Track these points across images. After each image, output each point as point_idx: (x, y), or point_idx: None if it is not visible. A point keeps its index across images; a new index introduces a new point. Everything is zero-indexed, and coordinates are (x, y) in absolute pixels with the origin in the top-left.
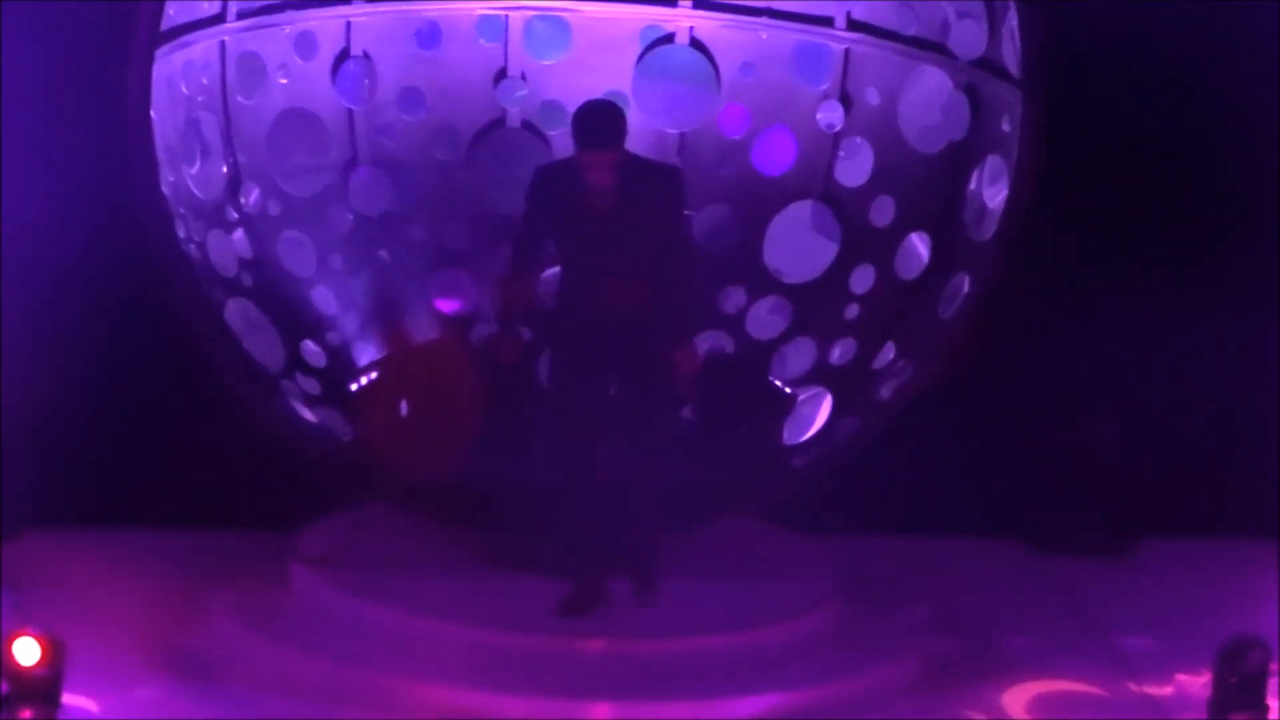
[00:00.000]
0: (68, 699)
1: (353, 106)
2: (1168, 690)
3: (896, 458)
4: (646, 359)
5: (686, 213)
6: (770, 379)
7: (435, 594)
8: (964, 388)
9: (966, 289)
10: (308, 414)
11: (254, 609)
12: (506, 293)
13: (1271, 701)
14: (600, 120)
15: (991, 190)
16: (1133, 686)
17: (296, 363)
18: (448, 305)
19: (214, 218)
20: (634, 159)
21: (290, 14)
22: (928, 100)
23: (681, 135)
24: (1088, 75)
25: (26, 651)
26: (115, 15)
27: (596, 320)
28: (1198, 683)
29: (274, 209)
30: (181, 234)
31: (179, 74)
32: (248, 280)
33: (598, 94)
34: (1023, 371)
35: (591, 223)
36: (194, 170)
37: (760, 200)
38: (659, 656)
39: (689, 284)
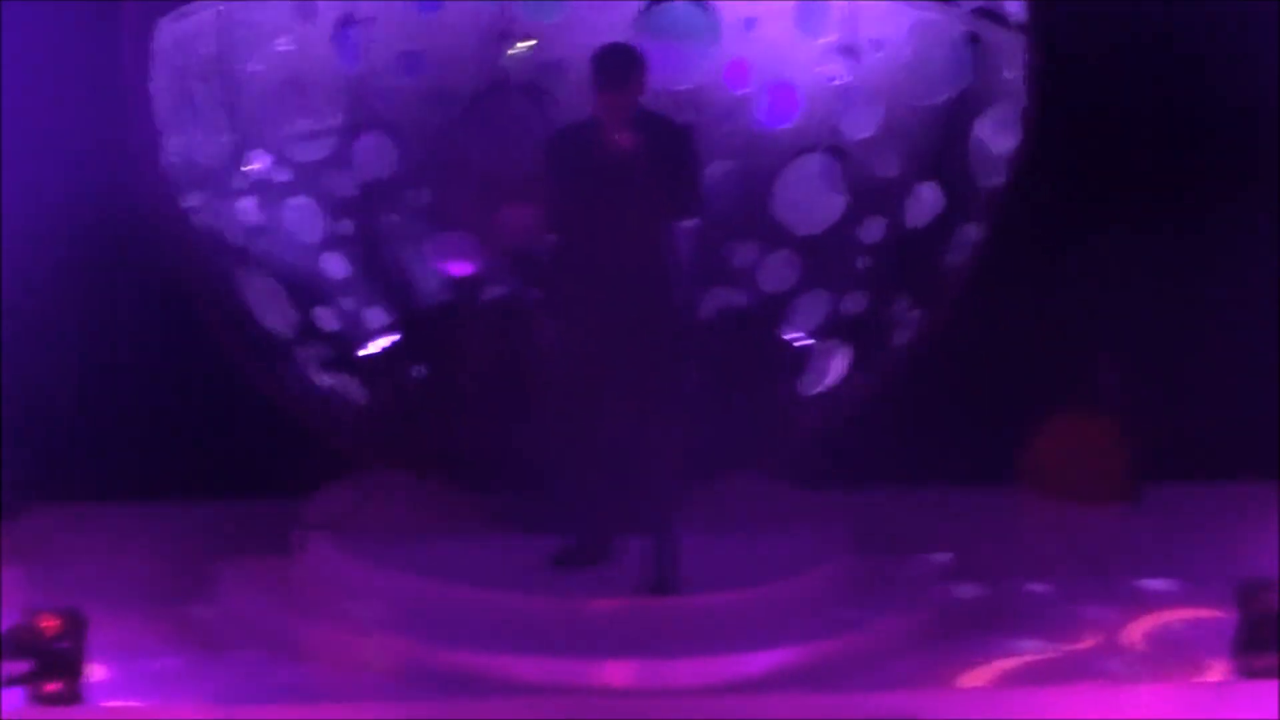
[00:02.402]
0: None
1: (354, 71)
2: (1189, 633)
3: (906, 407)
4: (655, 313)
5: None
6: (782, 333)
7: (444, 557)
8: (973, 334)
9: (975, 236)
10: (321, 379)
11: (264, 578)
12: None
13: None
14: (621, 61)
15: (997, 138)
16: (1152, 629)
17: (308, 329)
18: (454, 268)
19: (220, 187)
20: (649, 113)
21: None
22: (931, 49)
23: (685, 92)
24: (1088, 18)
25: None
26: None
27: (604, 275)
28: (1218, 625)
29: (279, 176)
30: (187, 204)
31: (179, 43)
32: (256, 248)
33: None
34: (1030, 317)
35: (606, 174)
36: (197, 140)
37: (767, 155)
38: (670, 613)
39: (695, 243)
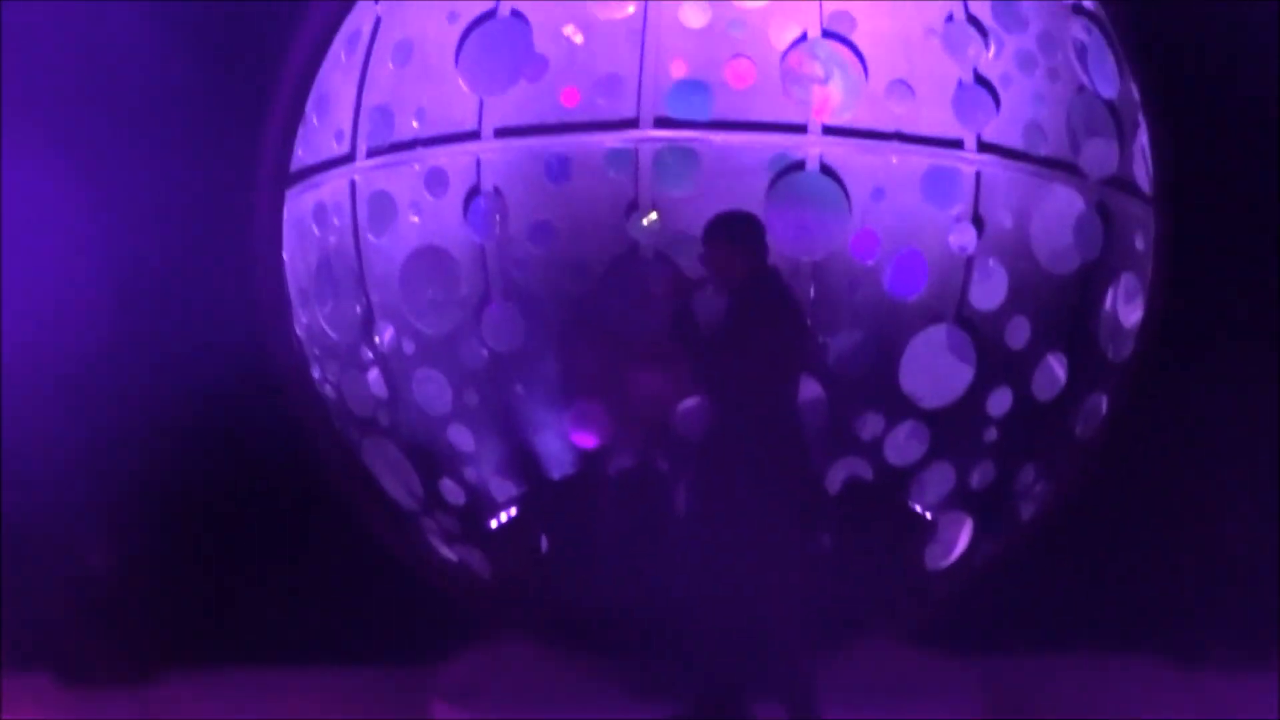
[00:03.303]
0: None
1: (484, 242)
2: None
3: (1036, 574)
4: (782, 479)
5: (812, 340)
6: (910, 504)
7: None
8: (1101, 502)
9: (1104, 409)
10: (446, 551)
11: None
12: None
13: None
14: (731, 223)
15: (1126, 309)
16: None
17: (435, 500)
18: (583, 439)
19: (348, 358)
20: (763, 275)
21: (420, 151)
22: (1060, 220)
23: (814, 262)
24: (1220, 191)
25: None
26: (241, 157)
27: (729, 438)
28: None
29: (408, 347)
30: (316, 375)
31: (309, 215)
32: (384, 420)
33: None
34: (1158, 484)
35: (720, 334)
36: (327, 311)
37: (895, 325)
38: None
39: (813, 413)
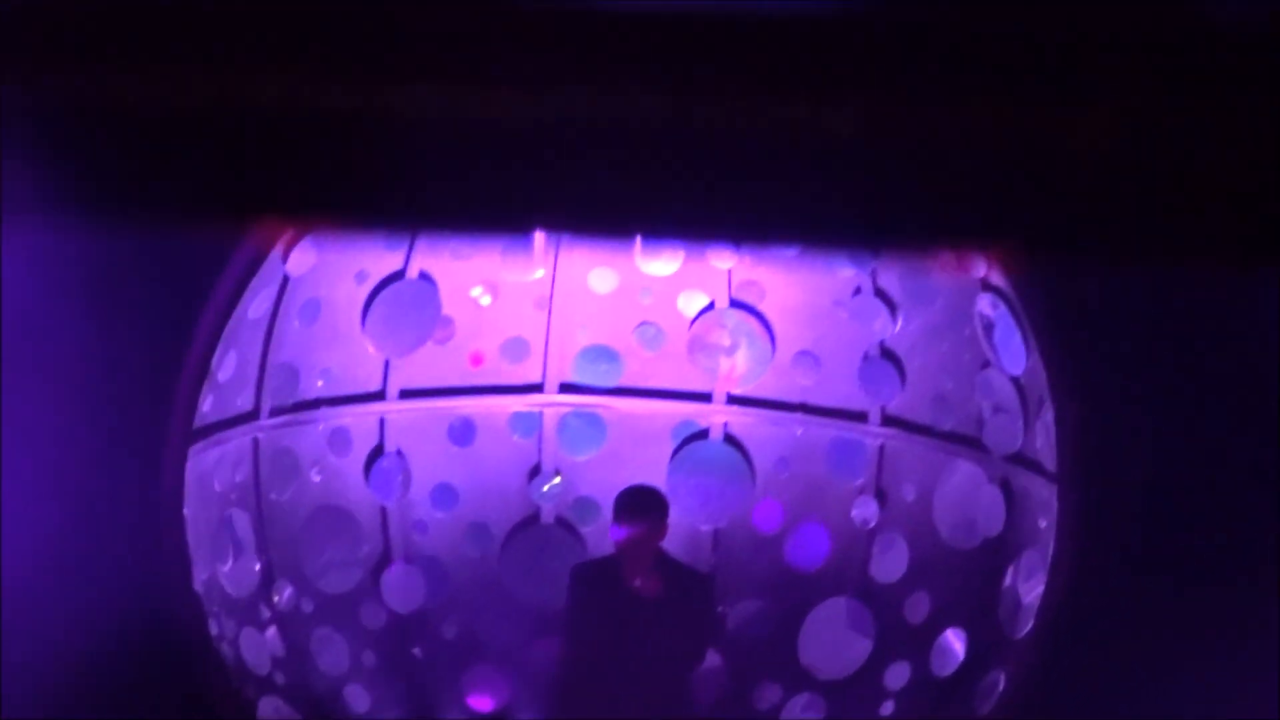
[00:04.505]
0: None
1: (386, 503)
2: None
3: None
4: None
5: (716, 614)
6: None
7: None
8: None
9: (1002, 685)
10: None
11: None
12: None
13: None
14: (641, 503)
15: (1027, 586)
16: None
17: None
18: (481, 703)
19: (246, 615)
20: (670, 559)
21: (324, 410)
22: (962, 495)
23: (715, 531)
24: (1124, 469)
25: None
26: (143, 411)
27: (622, 713)
28: None
29: (307, 606)
30: (214, 632)
31: (211, 470)
32: (280, 678)
33: None
34: None
35: (621, 615)
36: (226, 568)
37: (794, 596)
38: None
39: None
